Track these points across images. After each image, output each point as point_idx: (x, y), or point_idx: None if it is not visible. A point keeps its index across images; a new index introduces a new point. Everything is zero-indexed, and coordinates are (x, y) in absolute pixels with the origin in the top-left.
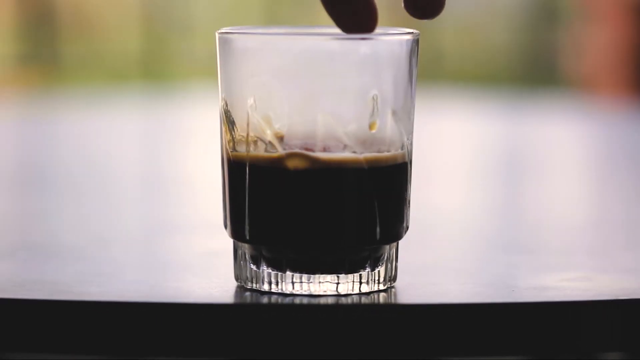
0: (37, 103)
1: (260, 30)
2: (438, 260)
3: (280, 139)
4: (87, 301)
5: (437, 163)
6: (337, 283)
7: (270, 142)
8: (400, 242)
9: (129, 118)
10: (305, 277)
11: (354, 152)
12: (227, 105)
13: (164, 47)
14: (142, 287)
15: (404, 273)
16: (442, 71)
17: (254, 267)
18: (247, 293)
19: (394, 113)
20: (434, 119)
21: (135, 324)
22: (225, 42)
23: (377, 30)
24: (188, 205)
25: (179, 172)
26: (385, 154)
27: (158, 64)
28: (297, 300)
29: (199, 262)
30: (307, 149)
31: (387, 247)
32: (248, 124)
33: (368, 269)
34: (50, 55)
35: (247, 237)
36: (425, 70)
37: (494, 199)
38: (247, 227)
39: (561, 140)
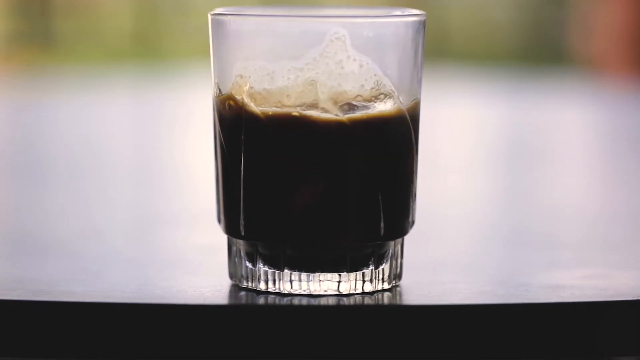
0: (30, 83)
1: (255, 12)
2: (446, 257)
3: (277, 124)
4: (70, 302)
5: (443, 150)
6: (339, 282)
7: (265, 129)
8: (405, 237)
9: (123, 99)
10: (304, 275)
11: (355, 139)
12: (220, 91)
13: (159, 25)
14: (130, 286)
15: (410, 270)
16: (447, 50)
17: (249, 264)
18: (242, 293)
19: (399, 97)
20: (439, 101)
21: (122, 326)
22: (218, 24)
23: (382, 11)
24: (183, 196)
25: (174, 158)
26: (389, 142)
27: (153, 41)
28: (296, 301)
29: (192, 259)
30: (304, 135)
31: (392, 243)
32: (242, 110)
33: (371, 267)
34: (44, 32)
35: (242, 233)
36: (430, 49)
37: (502, 188)
38: (241, 222)
39: (570, 123)
